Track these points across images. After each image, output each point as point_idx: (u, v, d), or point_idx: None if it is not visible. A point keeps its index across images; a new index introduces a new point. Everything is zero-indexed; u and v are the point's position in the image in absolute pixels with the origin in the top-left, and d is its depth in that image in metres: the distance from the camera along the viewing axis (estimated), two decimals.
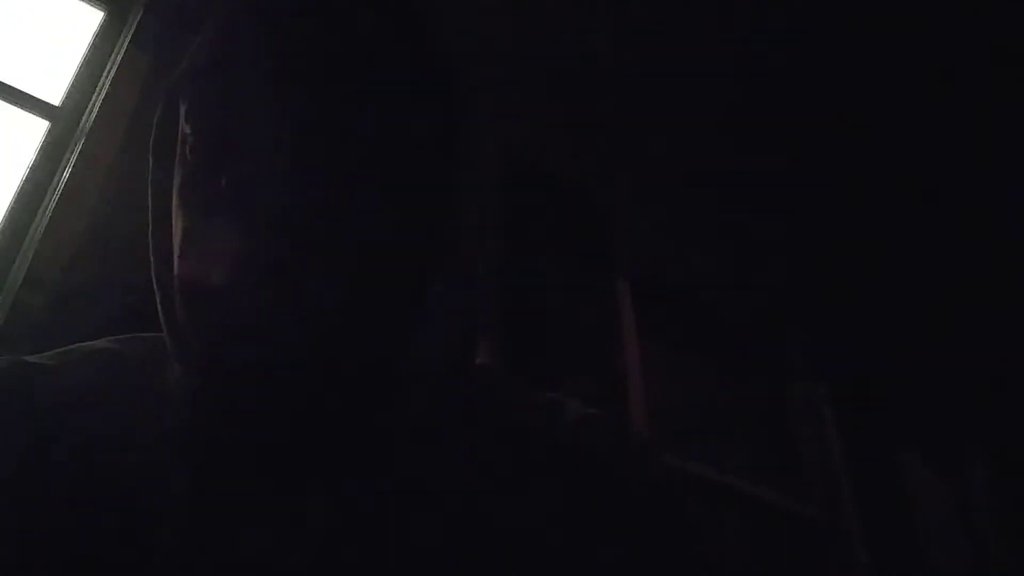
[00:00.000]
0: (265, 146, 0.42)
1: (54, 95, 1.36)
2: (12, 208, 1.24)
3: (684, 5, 1.77)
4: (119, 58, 1.38)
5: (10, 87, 1.32)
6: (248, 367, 0.42)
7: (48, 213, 1.19)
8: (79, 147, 1.26)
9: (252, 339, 0.41)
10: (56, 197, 1.20)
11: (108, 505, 0.42)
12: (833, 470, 2.23)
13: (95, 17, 1.48)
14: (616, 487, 0.50)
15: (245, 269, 0.41)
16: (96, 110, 1.31)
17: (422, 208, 0.49)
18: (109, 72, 1.38)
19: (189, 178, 0.45)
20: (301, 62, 0.44)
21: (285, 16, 0.46)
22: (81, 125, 1.33)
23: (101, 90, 1.35)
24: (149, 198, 0.50)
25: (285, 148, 0.42)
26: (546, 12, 1.80)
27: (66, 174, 1.23)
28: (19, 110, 1.32)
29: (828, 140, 2.07)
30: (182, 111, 0.46)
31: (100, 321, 1.08)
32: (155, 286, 0.48)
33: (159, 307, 0.47)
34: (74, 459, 0.43)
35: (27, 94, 1.33)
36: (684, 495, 0.59)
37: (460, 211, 0.56)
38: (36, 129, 1.33)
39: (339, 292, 0.42)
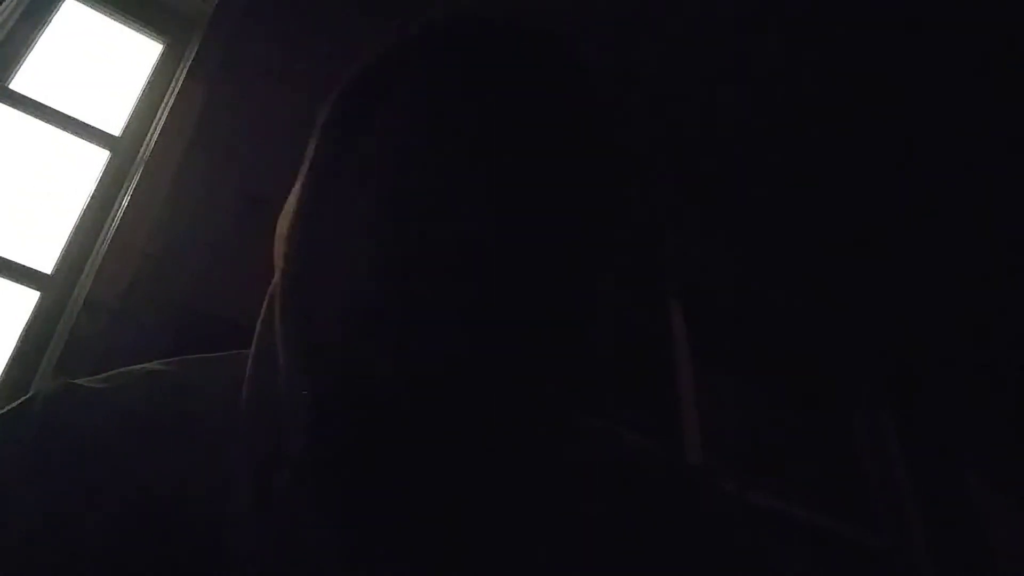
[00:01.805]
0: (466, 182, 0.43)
1: (114, 126, 1.40)
2: (74, 234, 1.27)
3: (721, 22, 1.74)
4: (176, 89, 1.41)
5: (72, 118, 1.36)
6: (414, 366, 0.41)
7: (108, 239, 1.21)
8: (138, 176, 1.29)
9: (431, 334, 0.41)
10: (115, 224, 1.22)
11: (164, 546, 0.39)
12: (901, 500, 2.13)
13: (155, 50, 1.52)
14: (676, 519, 0.49)
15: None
16: (154, 140, 1.34)
17: None
18: (167, 103, 1.41)
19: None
20: (506, 120, 0.45)
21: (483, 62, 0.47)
22: (140, 155, 1.36)
23: (159, 121, 1.38)
24: (307, 184, 0.47)
25: (476, 186, 0.43)
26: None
27: (125, 202, 1.25)
28: (81, 140, 1.36)
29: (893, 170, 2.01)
30: (373, 139, 0.46)
31: (156, 345, 1.10)
32: (283, 261, 0.45)
33: (282, 291, 0.45)
34: (124, 497, 0.41)
35: (89, 125, 1.37)
36: (747, 526, 0.58)
37: None
38: (97, 159, 1.36)
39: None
